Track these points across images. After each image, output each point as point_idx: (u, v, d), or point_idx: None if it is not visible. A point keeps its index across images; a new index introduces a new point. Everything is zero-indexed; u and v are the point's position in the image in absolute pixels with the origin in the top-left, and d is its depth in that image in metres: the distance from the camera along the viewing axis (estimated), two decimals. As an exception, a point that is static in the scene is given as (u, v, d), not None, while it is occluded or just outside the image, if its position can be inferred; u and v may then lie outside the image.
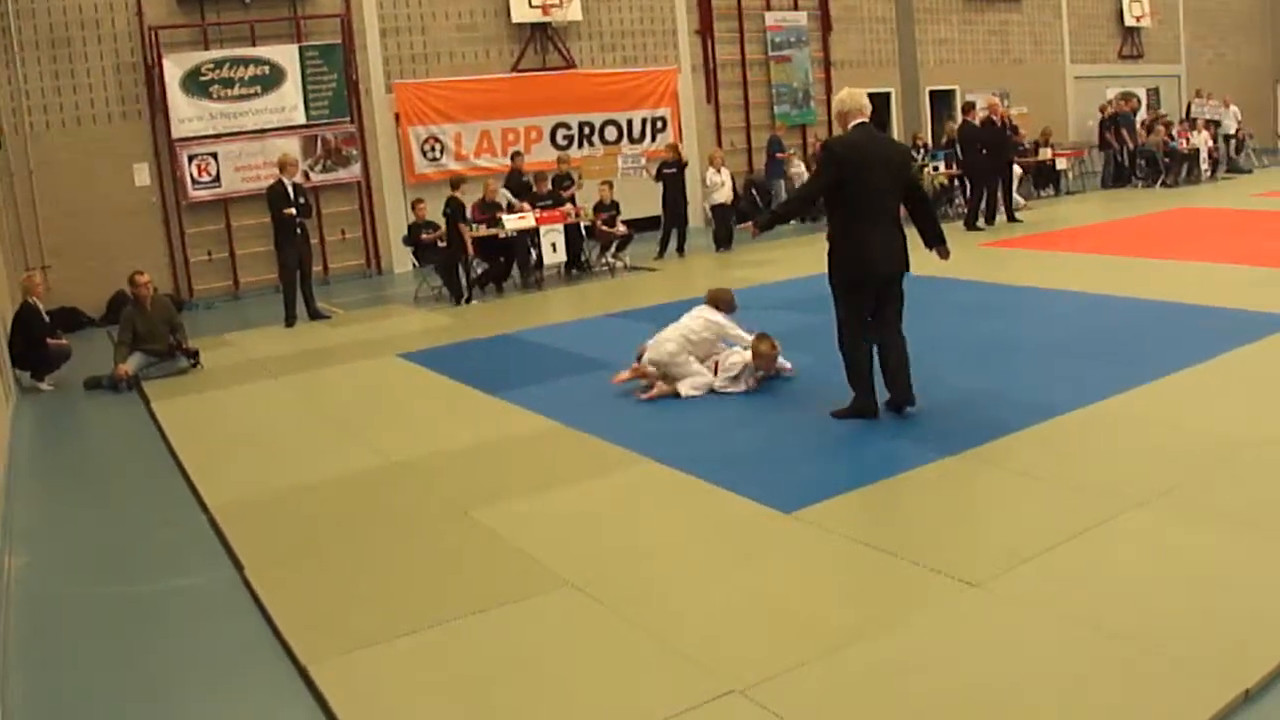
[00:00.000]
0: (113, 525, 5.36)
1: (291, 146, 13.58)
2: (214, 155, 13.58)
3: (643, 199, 14.40)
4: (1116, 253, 11.21)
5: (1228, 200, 15.66)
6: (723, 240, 14.24)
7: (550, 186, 12.90)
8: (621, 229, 13.14)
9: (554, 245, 12.04)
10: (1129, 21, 23.43)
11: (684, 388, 6.51)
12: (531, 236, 12.03)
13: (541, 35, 15.90)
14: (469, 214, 11.81)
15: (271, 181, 11.22)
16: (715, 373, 6.58)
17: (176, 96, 13.28)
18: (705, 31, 17.43)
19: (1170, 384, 5.96)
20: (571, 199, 12.81)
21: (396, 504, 5.15)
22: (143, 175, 13.39)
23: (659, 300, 10.12)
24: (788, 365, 6.78)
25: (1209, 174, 18.92)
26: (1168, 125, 19.08)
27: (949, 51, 20.50)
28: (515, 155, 14.00)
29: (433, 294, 11.98)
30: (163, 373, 8.85)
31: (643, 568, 4.11)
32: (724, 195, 14.30)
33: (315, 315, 11.26)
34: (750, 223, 6.00)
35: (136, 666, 3.75)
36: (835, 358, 5.77)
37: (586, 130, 16.34)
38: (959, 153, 14.80)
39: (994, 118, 14.24)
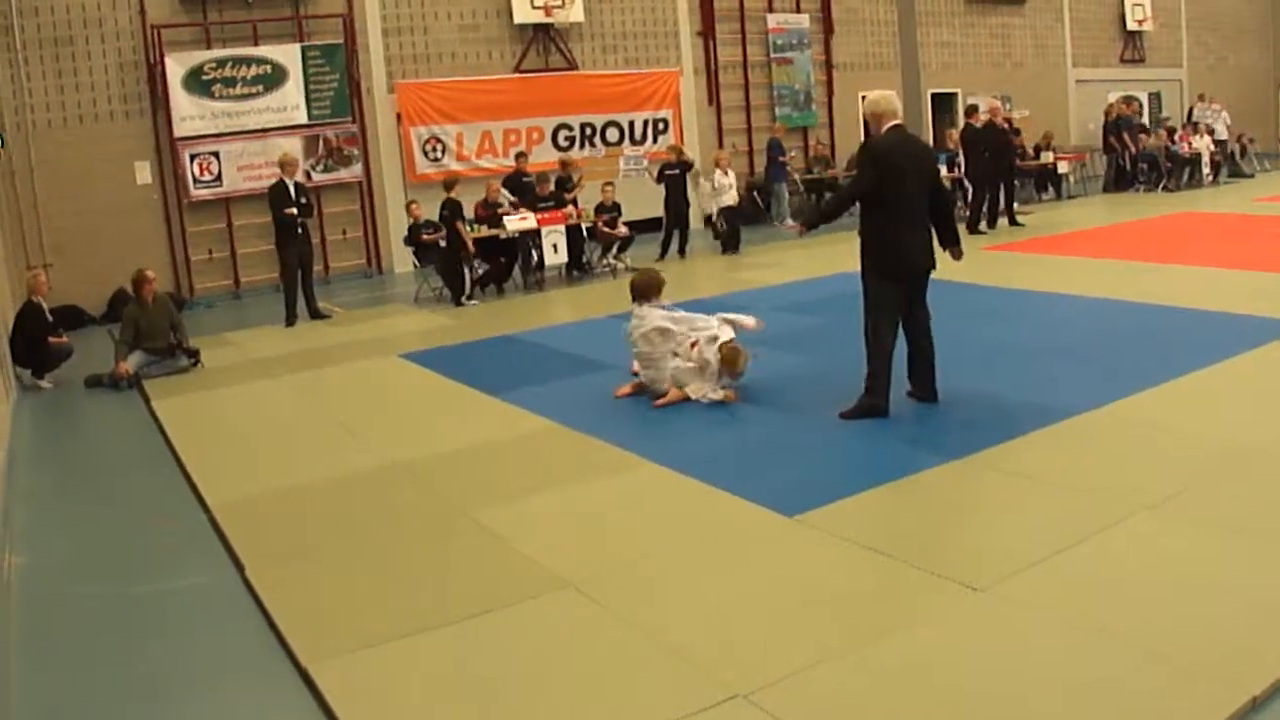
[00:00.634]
0: (113, 524, 5.34)
1: (293, 146, 13.55)
2: (216, 154, 13.57)
3: (644, 201, 14.37)
4: (1119, 257, 11.21)
5: (1229, 205, 15.66)
6: (730, 243, 14.06)
7: (553, 188, 12.89)
8: (623, 230, 13.13)
9: (555, 246, 12.04)
10: (1131, 25, 23.44)
11: (694, 392, 6.48)
12: (532, 237, 12.03)
13: (543, 36, 15.89)
14: (473, 213, 11.79)
15: (273, 181, 11.22)
16: (693, 348, 6.44)
17: (178, 95, 13.26)
18: (707, 33, 17.41)
19: (1174, 389, 5.95)
20: (574, 200, 12.80)
21: (397, 504, 5.14)
22: (144, 174, 13.36)
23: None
24: (749, 322, 6.65)
25: (1210, 178, 18.92)
26: (1169, 130, 19.09)
27: (951, 55, 20.50)
28: (519, 156, 13.96)
29: (433, 294, 11.96)
30: (163, 371, 8.85)
31: (644, 570, 4.09)
32: (731, 198, 14.23)
33: (316, 315, 11.25)
34: (799, 222, 6.06)
35: (136, 666, 3.74)
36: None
37: (588, 131, 16.32)
38: (962, 155, 14.79)
39: (995, 121, 14.23)
